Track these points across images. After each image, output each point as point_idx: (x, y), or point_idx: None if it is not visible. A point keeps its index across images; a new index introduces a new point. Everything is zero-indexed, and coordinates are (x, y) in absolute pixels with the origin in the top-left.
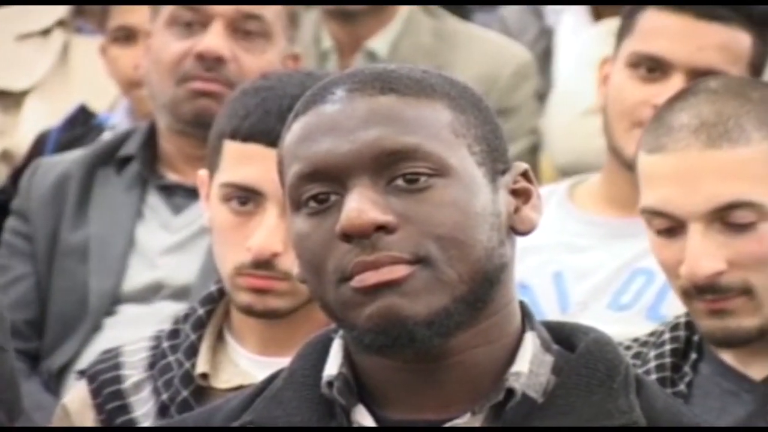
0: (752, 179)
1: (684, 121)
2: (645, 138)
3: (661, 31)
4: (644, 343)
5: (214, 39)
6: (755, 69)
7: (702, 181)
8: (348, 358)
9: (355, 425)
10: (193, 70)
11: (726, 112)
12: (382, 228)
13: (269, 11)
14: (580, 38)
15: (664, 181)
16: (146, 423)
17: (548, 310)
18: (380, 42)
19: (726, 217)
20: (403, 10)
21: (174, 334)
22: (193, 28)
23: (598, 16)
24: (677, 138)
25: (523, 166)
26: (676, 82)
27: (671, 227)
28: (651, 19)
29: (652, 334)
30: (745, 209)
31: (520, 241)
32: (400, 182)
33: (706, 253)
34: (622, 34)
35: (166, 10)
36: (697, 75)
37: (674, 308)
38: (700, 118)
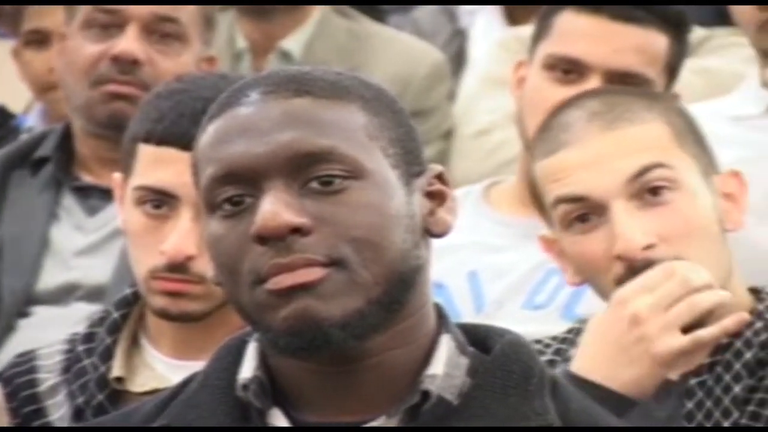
0: (657, 148)
1: (576, 116)
2: (540, 146)
3: (578, 32)
4: (563, 340)
5: (130, 42)
6: (671, 70)
7: (611, 159)
8: (263, 360)
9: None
10: (108, 73)
11: (614, 102)
12: (297, 230)
13: (185, 14)
14: (479, 55)
15: (573, 170)
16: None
17: (464, 309)
18: (294, 42)
19: (643, 188)
20: (317, 11)
21: (89, 337)
22: (108, 30)
23: (512, 19)
24: (574, 131)
25: (438, 168)
26: (592, 84)
27: (585, 214)
28: (567, 21)
29: (570, 331)
30: (658, 169)
31: (435, 241)
32: (314, 185)
33: (636, 227)
34: (538, 36)
35: (82, 12)
36: (614, 76)
37: (589, 307)
38: (591, 110)
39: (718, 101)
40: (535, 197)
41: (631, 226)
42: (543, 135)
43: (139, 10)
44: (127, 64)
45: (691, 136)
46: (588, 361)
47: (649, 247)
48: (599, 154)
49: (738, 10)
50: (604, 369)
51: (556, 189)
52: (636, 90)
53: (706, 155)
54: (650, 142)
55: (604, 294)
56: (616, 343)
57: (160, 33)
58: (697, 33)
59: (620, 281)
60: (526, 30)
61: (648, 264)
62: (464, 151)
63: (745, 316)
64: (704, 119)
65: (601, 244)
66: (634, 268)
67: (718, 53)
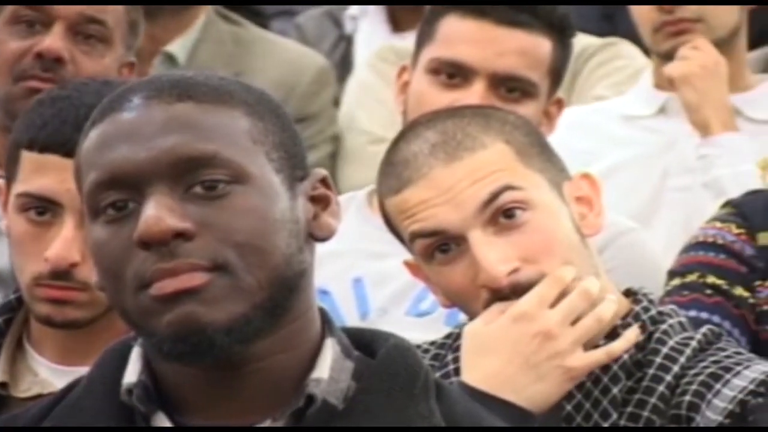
0: (502, 171)
1: (416, 150)
2: (384, 183)
3: (462, 36)
4: (441, 346)
5: (55, 40)
6: (555, 74)
7: (459, 190)
8: (148, 365)
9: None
10: (31, 69)
11: (450, 130)
12: (181, 235)
13: (111, 17)
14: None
15: (424, 206)
16: None
17: (348, 315)
18: (179, 47)
19: (496, 213)
20: (202, 15)
21: None
22: (34, 28)
23: (396, 25)
24: (418, 166)
25: (322, 172)
26: (477, 88)
27: (445, 244)
28: (451, 25)
29: (448, 336)
30: (507, 192)
31: (319, 247)
32: (198, 189)
33: (497, 255)
34: (422, 40)
35: (9, 8)
36: (498, 80)
37: None
38: (430, 142)
39: (612, 100)
40: (392, 229)
41: (491, 255)
42: (387, 170)
43: (66, 9)
44: (50, 62)
45: (533, 149)
46: (489, 377)
47: (513, 272)
48: (447, 187)
49: (636, 11)
50: (509, 385)
51: (410, 225)
52: (470, 111)
53: (553, 165)
54: (494, 165)
55: (474, 317)
56: (525, 360)
57: (85, 33)
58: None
59: (489, 306)
60: (404, 41)
61: (516, 287)
62: (353, 157)
63: (636, 329)
64: (598, 118)
65: (465, 273)
66: (501, 295)
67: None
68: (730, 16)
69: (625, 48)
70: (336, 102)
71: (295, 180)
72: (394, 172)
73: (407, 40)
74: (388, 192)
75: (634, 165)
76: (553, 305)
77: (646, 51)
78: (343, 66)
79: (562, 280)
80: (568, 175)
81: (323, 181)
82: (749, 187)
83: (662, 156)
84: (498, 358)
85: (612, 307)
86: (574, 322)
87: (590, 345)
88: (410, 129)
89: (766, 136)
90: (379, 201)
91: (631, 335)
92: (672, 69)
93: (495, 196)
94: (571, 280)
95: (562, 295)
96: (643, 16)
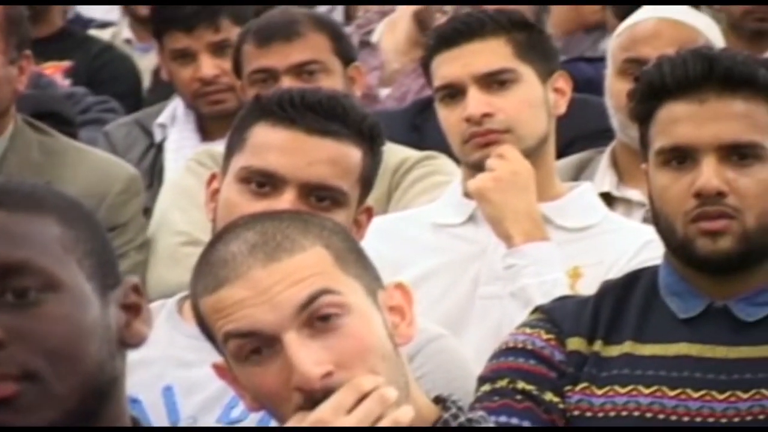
0: (320, 275)
1: (234, 250)
2: (200, 283)
3: (272, 145)
4: None
5: None
6: (365, 182)
7: (276, 292)
8: None
9: None
10: None
11: (269, 232)
12: None
13: None
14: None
15: (240, 306)
16: None
17: (159, 424)
18: None
19: (313, 316)
20: (11, 124)
21: None
22: None
23: (204, 134)
24: (235, 266)
25: (134, 280)
26: (287, 197)
27: (258, 347)
28: (261, 133)
29: None
30: (325, 296)
31: (130, 354)
32: (9, 297)
33: (312, 358)
34: (232, 148)
35: None
36: (309, 189)
37: None
38: (249, 242)
39: (423, 208)
40: (206, 331)
41: (305, 358)
42: (203, 270)
43: None
44: None
45: (351, 256)
46: None
47: (326, 375)
48: (264, 288)
49: (444, 122)
50: None
51: (225, 325)
52: (290, 214)
53: (368, 272)
54: (313, 269)
55: (283, 421)
56: None
57: None
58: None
59: (301, 410)
60: (221, 147)
61: (328, 392)
62: (166, 258)
63: None
64: (408, 226)
65: (278, 376)
66: (313, 398)
67: None
68: (539, 125)
69: (445, 163)
70: (146, 211)
71: (107, 288)
72: (210, 271)
73: (221, 148)
74: (204, 291)
75: (444, 273)
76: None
77: (456, 160)
78: (153, 174)
79: (360, 387)
80: (382, 284)
81: (135, 289)
82: (557, 295)
83: (472, 264)
84: None
85: (410, 412)
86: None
87: None
88: (229, 230)
89: (576, 244)
90: (193, 303)
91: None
92: (469, 184)
93: (312, 299)
94: (371, 389)
95: (360, 402)
96: (451, 127)
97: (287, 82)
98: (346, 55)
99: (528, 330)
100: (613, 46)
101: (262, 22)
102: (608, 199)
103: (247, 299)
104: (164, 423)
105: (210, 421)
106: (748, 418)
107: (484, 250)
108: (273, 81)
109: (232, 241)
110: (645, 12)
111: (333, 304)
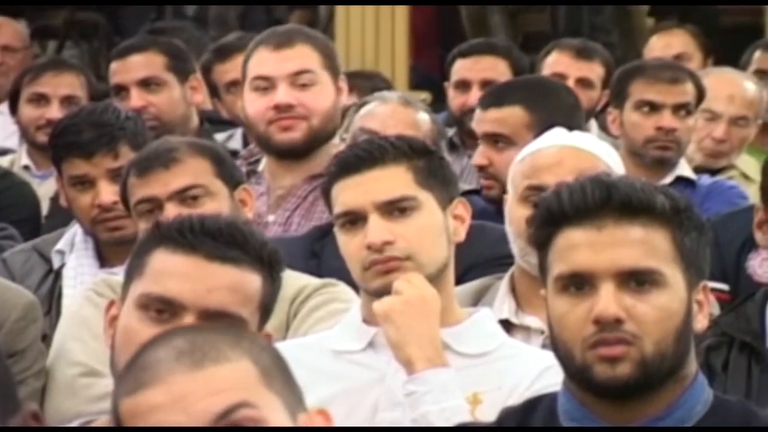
0: (242, 388)
1: (161, 356)
2: (121, 386)
3: (171, 272)
4: None
5: None
6: (265, 309)
7: (195, 400)
8: None
9: None
10: None
11: (198, 341)
12: None
13: None
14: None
15: (157, 411)
16: None
17: None
18: None
19: (227, 427)
20: None
21: None
22: None
23: (103, 260)
24: (158, 369)
25: (33, 407)
26: (187, 324)
27: None
28: (161, 260)
29: None
30: (243, 409)
31: None
32: None
33: None
34: (131, 274)
35: None
36: (209, 316)
37: None
38: (177, 349)
39: (321, 335)
40: None
41: None
42: (127, 373)
43: None
44: None
45: (278, 373)
46: None
47: None
48: (182, 394)
49: (344, 249)
50: None
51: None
52: (223, 327)
53: (294, 393)
54: (236, 381)
55: None
56: None
57: None
58: None
59: None
60: (118, 276)
61: None
62: (63, 389)
63: None
64: (306, 352)
65: None
66: None
67: None
68: (439, 252)
69: (344, 290)
70: (44, 337)
71: (7, 414)
72: (133, 374)
73: (120, 275)
74: (123, 394)
75: (344, 399)
76: None
77: (355, 287)
78: (51, 300)
79: None
80: (306, 408)
81: (34, 416)
82: (457, 422)
83: (371, 390)
84: None
85: None
86: None
87: None
88: (162, 336)
89: (474, 370)
90: (113, 405)
91: None
92: (376, 305)
93: (230, 410)
94: None
95: None
96: (352, 254)
97: (172, 210)
98: (230, 178)
99: None
100: (514, 172)
101: (142, 154)
102: (507, 326)
103: (163, 405)
104: None
105: None
106: None
107: (384, 377)
108: (158, 210)
109: (161, 346)
110: (546, 139)
111: (250, 418)
